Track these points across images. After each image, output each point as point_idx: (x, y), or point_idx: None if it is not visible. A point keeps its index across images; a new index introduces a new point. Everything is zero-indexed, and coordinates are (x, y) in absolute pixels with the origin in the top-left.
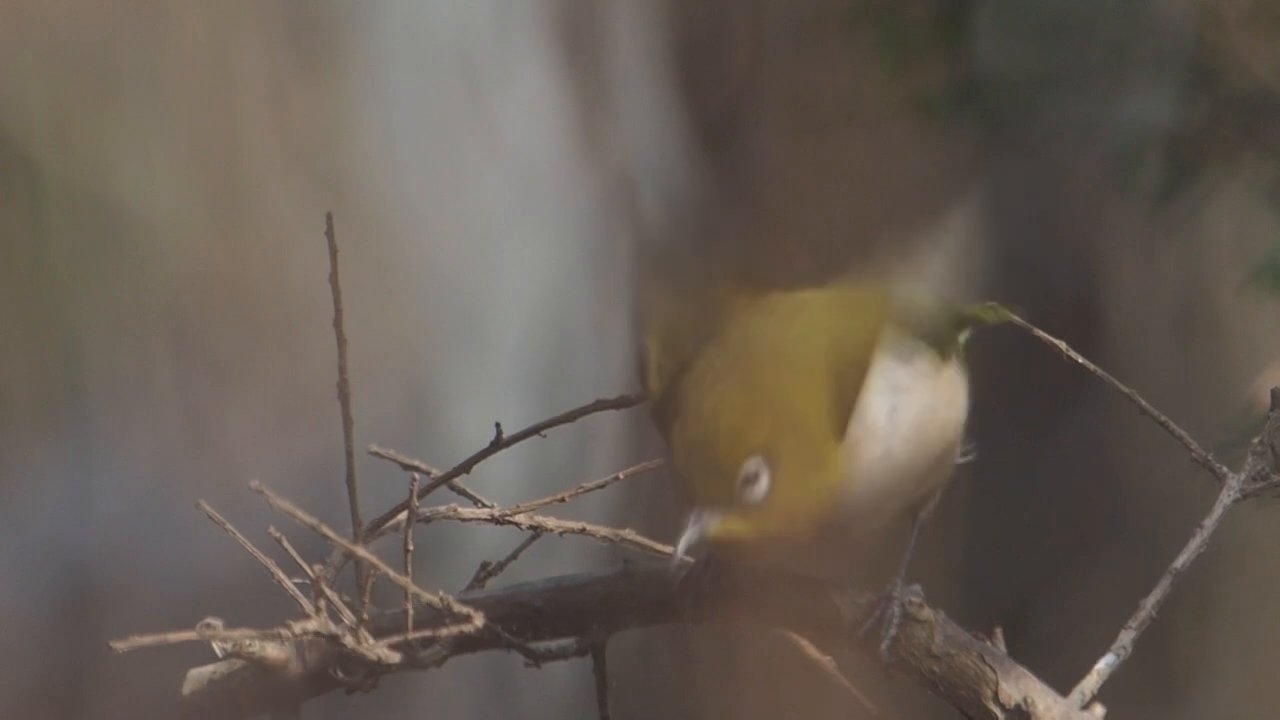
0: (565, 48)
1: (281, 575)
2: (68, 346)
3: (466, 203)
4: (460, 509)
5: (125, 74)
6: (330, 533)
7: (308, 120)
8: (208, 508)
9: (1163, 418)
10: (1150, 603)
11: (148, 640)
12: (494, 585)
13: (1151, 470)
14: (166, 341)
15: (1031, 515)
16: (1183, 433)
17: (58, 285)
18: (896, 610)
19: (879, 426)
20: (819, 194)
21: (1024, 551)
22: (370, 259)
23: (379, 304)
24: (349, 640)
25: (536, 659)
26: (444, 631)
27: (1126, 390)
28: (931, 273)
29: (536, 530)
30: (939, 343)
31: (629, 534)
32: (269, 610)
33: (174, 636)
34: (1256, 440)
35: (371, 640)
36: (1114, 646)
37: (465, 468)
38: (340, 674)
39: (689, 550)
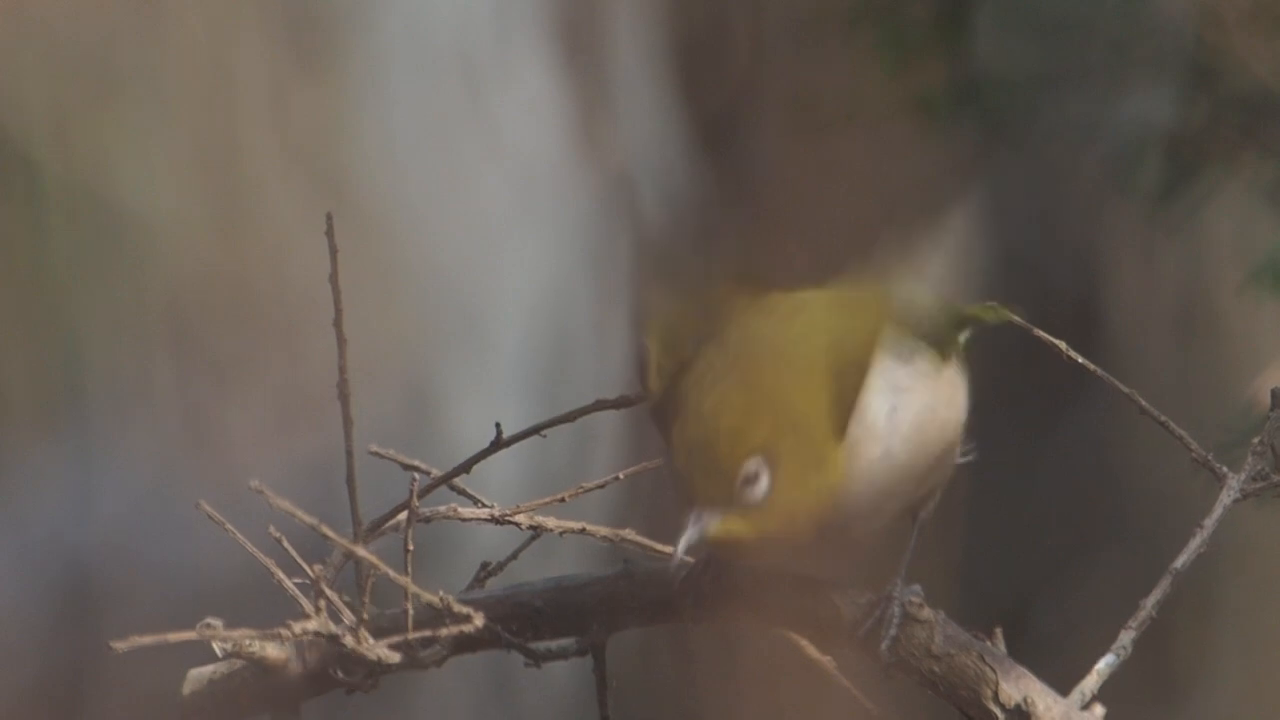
0: (565, 48)
1: (281, 575)
2: (68, 346)
3: (466, 203)
4: (460, 509)
5: (125, 74)
6: (330, 533)
7: (308, 120)
8: (208, 508)
9: (1163, 418)
10: (1150, 603)
11: (148, 640)
12: (494, 585)
13: (1151, 470)
14: (166, 341)
15: (1031, 515)
16: (1183, 433)
17: (58, 285)
18: (896, 610)
19: (879, 426)
20: (819, 194)
21: (1024, 551)
22: (370, 259)
23: (379, 304)
24: (349, 640)
25: (536, 659)
26: (444, 631)
27: (1126, 390)
28: (931, 272)
29: (536, 530)
30: (939, 343)
31: (629, 534)
32: (269, 610)
33: (174, 636)
34: (1256, 440)
35: (371, 640)
36: (1114, 646)
37: (465, 468)
38: (340, 674)
39: (689, 550)
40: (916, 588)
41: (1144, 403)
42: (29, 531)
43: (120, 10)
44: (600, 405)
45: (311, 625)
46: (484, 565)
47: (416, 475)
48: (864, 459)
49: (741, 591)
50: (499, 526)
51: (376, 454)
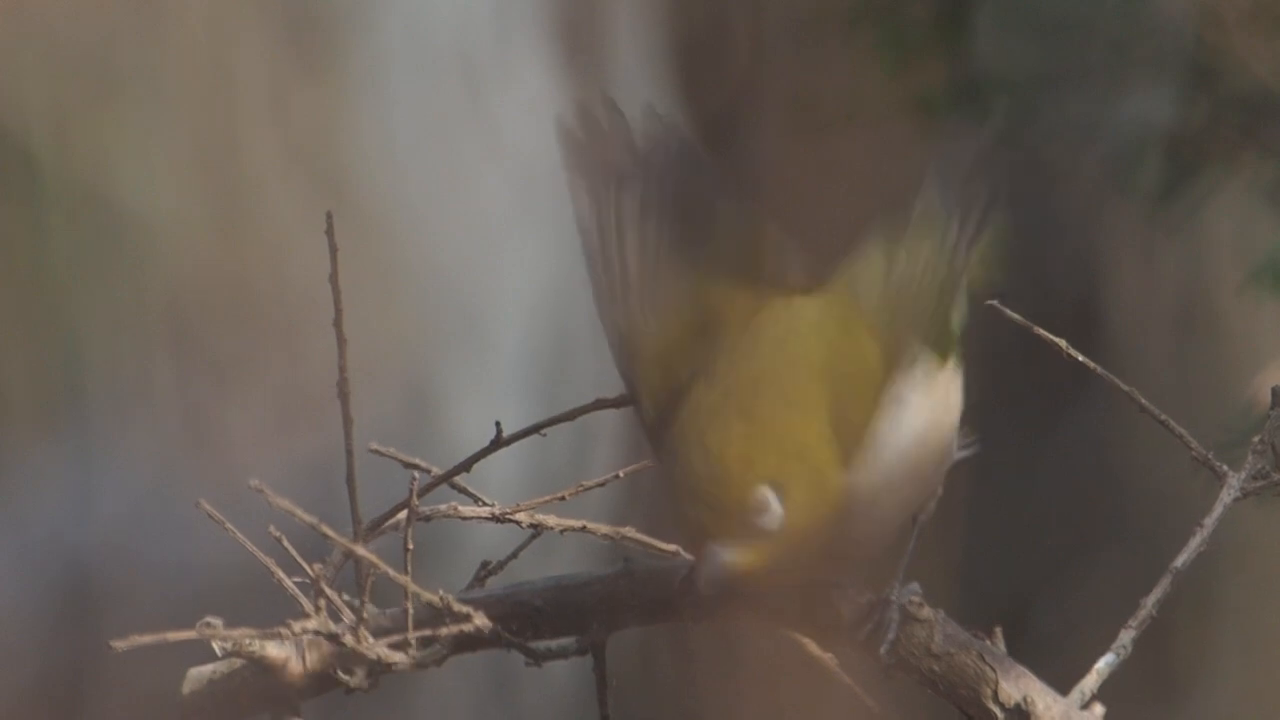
0: (565, 48)
1: (281, 575)
2: (68, 346)
3: (466, 203)
4: (460, 507)
5: (125, 74)
6: (330, 532)
7: (308, 120)
8: (208, 507)
9: (1163, 416)
10: (1150, 602)
11: (147, 640)
12: (494, 584)
13: (1151, 470)
14: (166, 341)
15: (1031, 515)
16: (1183, 431)
17: (58, 285)
18: (895, 613)
19: (882, 445)
20: (819, 194)
21: (1024, 551)
22: (370, 259)
23: (379, 304)
24: (349, 639)
25: (536, 658)
26: (444, 631)
27: (1126, 388)
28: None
29: (537, 529)
30: (936, 338)
31: (629, 532)
32: (269, 610)
33: (174, 636)
34: (1257, 439)
35: (371, 640)
36: (1114, 646)
37: (465, 466)
38: (340, 673)
39: (709, 587)
40: (915, 586)
41: (1144, 401)
42: (29, 531)
43: (120, 10)
44: (600, 405)
45: (311, 625)
46: (484, 564)
47: (416, 474)
48: (869, 479)
49: (741, 591)
50: (499, 525)
51: (376, 452)
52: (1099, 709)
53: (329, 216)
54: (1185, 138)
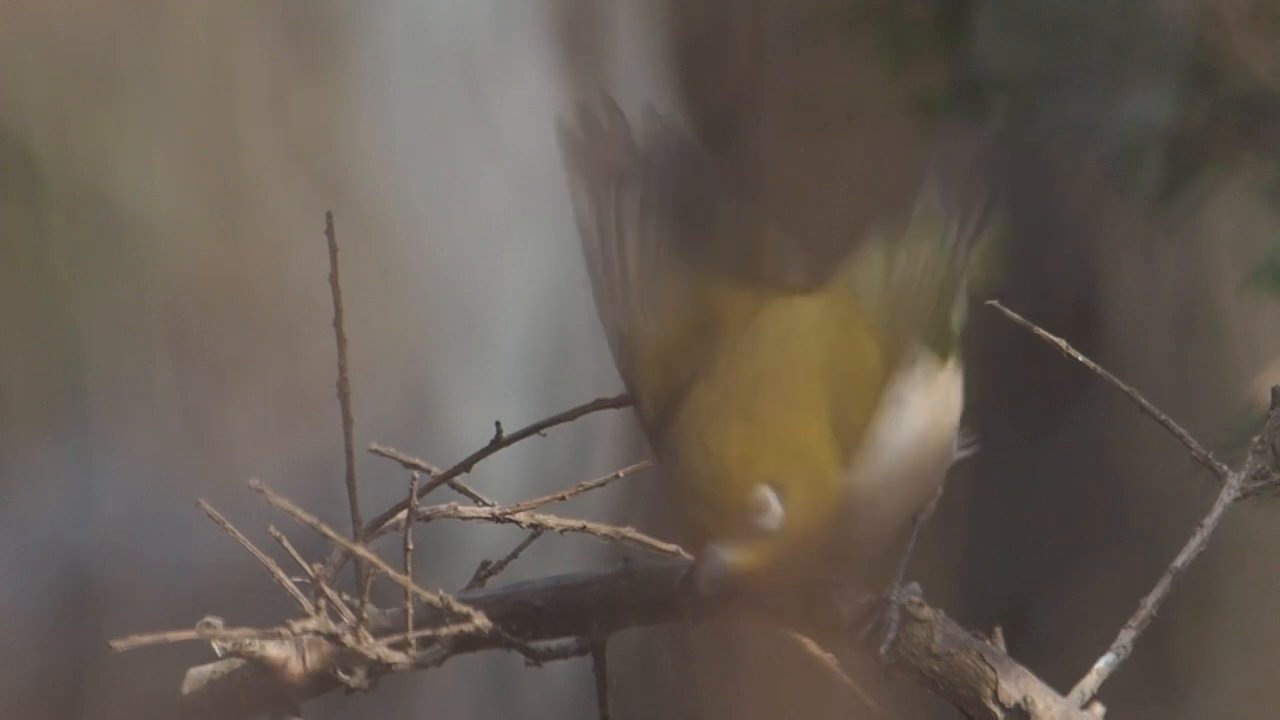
0: (565, 48)
1: (281, 575)
2: (68, 346)
3: (466, 203)
4: (460, 507)
5: (125, 74)
6: (330, 532)
7: (308, 120)
8: (208, 507)
9: (1163, 416)
10: (1150, 602)
11: (148, 640)
12: (494, 584)
13: (1151, 470)
14: (166, 341)
15: (1031, 515)
16: (1183, 431)
17: (58, 285)
18: (895, 613)
19: (882, 445)
20: (819, 194)
21: (1024, 551)
22: (370, 259)
23: (379, 304)
24: (349, 639)
25: (536, 658)
26: (444, 631)
27: (1126, 388)
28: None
29: (537, 529)
30: (936, 337)
31: (629, 532)
32: (269, 610)
33: (174, 636)
34: (1257, 439)
35: (371, 640)
36: (1114, 646)
37: (465, 466)
38: (340, 673)
39: (709, 586)
40: (915, 586)
41: (1144, 401)
42: (29, 531)
43: (120, 10)
44: (600, 405)
45: (311, 625)
46: (484, 564)
47: (416, 474)
48: (869, 479)
49: (742, 591)
50: (499, 525)
51: (376, 452)
52: (1099, 709)
53: (329, 216)
54: (1185, 138)
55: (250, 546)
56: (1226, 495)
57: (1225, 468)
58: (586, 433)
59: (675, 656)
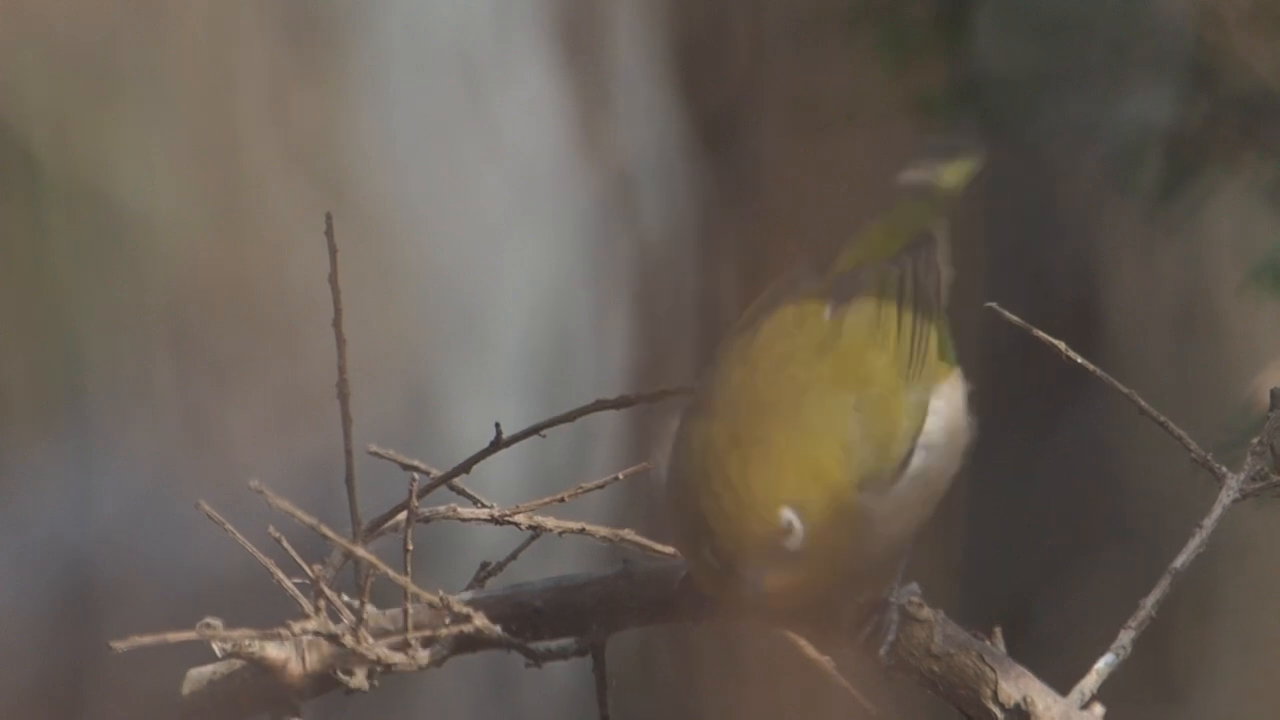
0: (565, 48)
1: (281, 575)
2: (68, 346)
3: (466, 203)
4: (460, 509)
5: (125, 74)
6: (330, 533)
7: (308, 120)
8: (208, 508)
9: (1162, 418)
10: (1150, 602)
11: (148, 640)
12: (494, 585)
13: (1151, 470)
14: (166, 341)
15: (1031, 515)
16: (1182, 433)
17: (58, 285)
18: (895, 614)
19: (901, 468)
20: (819, 194)
21: (1024, 551)
22: (370, 259)
23: (379, 304)
24: (349, 640)
25: (536, 659)
26: (444, 631)
27: (1125, 390)
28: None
29: (536, 530)
30: (938, 340)
31: (628, 534)
32: (269, 610)
33: (174, 636)
34: (1256, 440)
35: (371, 640)
36: (1114, 646)
37: (465, 468)
38: (340, 674)
39: (751, 610)
40: (914, 586)
41: (1143, 403)
42: (29, 531)
43: (120, 10)
44: (600, 405)
45: (311, 625)
46: (484, 565)
47: (416, 475)
48: (886, 499)
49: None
50: (499, 526)
51: (376, 454)
52: (1099, 709)
53: (329, 217)
54: (1185, 138)
55: (250, 547)
56: (1226, 496)
57: (1224, 469)
58: (586, 434)
59: (675, 657)
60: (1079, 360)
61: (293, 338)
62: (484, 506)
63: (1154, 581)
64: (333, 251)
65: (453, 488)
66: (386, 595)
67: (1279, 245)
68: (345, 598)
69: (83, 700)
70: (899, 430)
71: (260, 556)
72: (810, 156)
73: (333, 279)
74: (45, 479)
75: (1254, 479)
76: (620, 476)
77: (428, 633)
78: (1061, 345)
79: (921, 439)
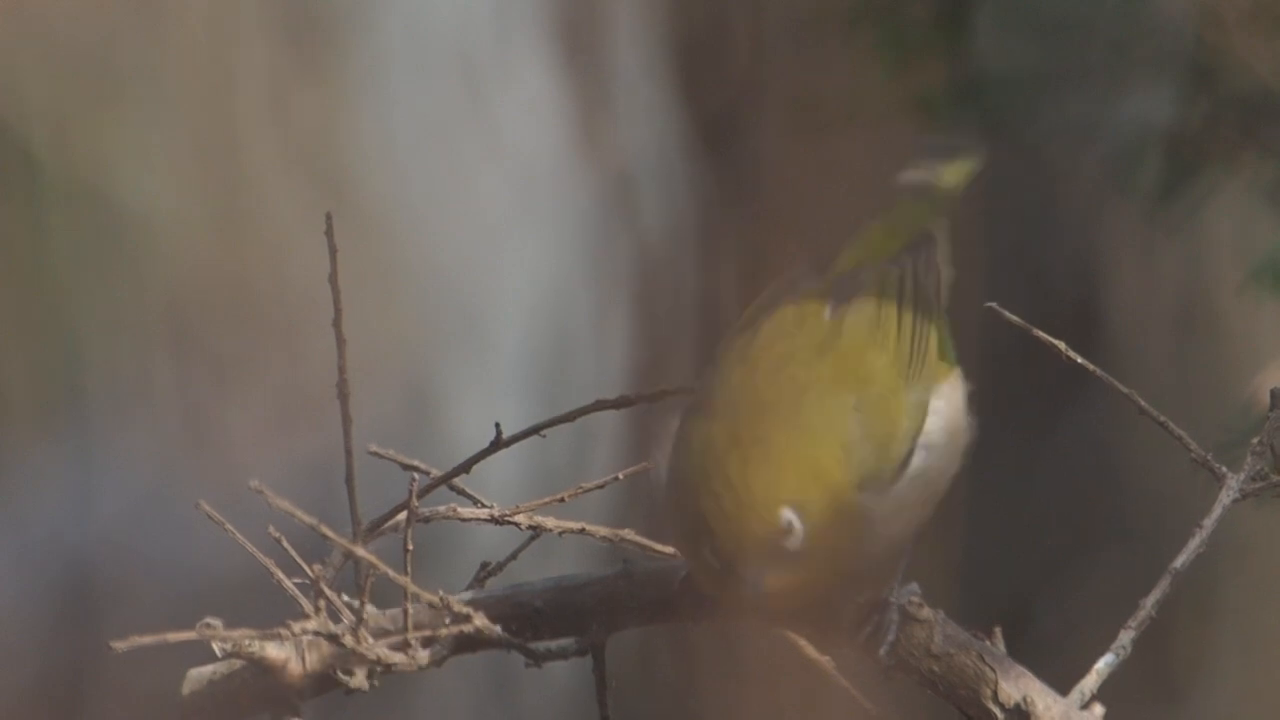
0: (565, 48)
1: (281, 575)
2: (68, 346)
3: (466, 203)
4: (460, 509)
5: (125, 74)
6: (330, 533)
7: (308, 120)
8: (208, 508)
9: (1162, 418)
10: (1150, 602)
11: (148, 640)
12: (494, 585)
13: (1151, 470)
14: (166, 341)
15: (1031, 515)
16: (1182, 433)
17: (58, 285)
18: (895, 614)
19: (901, 468)
20: (819, 194)
21: (1024, 551)
22: (370, 259)
23: (379, 304)
24: (349, 640)
25: (536, 659)
26: (444, 631)
27: (1126, 390)
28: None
29: (536, 530)
30: (938, 338)
31: (628, 534)
32: (269, 610)
33: (174, 636)
34: (1256, 440)
35: (371, 640)
36: (1114, 646)
37: (465, 468)
38: (340, 674)
39: (752, 610)
40: (914, 586)
41: (1143, 403)
42: (29, 531)
43: (120, 10)
44: (600, 405)
45: (311, 625)
46: (484, 565)
47: (416, 475)
48: (886, 499)
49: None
50: (499, 526)
51: (376, 454)
52: (1099, 709)
53: (329, 217)
54: (1185, 138)
55: (250, 547)
56: (1226, 496)
57: (1224, 469)
58: (586, 434)
59: (675, 657)
60: (1079, 360)
61: (293, 338)
62: (484, 506)
63: (1154, 581)
64: (333, 251)
65: (453, 488)
66: (386, 595)
67: (1279, 245)
68: (345, 598)
69: (83, 700)
70: (899, 430)
71: (260, 556)
72: (810, 156)
73: (333, 279)
74: (45, 479)
75: (1254, 479)
76: (620, 476)
77: (428, 633)
78: (1062, 345)
79: (921, 439)
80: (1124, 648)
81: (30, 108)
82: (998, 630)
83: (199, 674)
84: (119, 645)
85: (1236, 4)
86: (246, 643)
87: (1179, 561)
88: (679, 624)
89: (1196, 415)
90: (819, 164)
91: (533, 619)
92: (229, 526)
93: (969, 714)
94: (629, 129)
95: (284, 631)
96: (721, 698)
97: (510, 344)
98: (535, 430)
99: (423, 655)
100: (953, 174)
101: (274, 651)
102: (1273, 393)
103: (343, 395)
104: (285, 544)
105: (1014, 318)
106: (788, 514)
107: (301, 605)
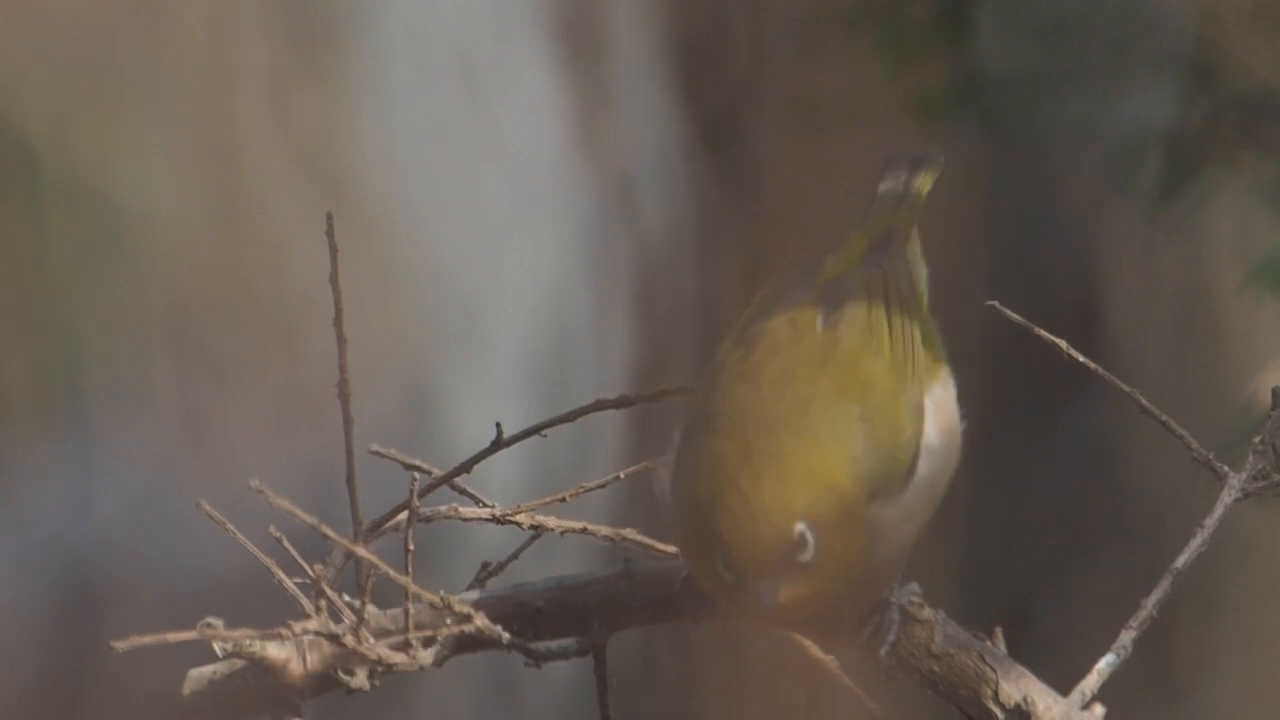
0: (565, 48)
1: (282, 575)
2: (68, 346)
3: (466, 203)
4: (461, 509)
5: (125, 74)
6: (330, 532)
7: (308, 120)
8: (208, 508)
9: (1163, 417)
10: (1151, 602)
11: (148, 640)
12: (494, 585)
13: (1151, 470)
14: (166, 341)
15: (1031, 515)
16: (1183, 432)
17: (58, 285)
18: (896, 614)
19: (907, 480)
20: (819, 194)
21: (1024, 551)
22: (370, 259)
23: (379, 304)
24: (349, 640)
25: (537, 659)
26: (444, 631)
27: (1127, 389)
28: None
29: (537, 530)
30: (928, 341)
31: (630, 533)
32: (269, 610)
33: (174, 636)
34: (1257, 439)
35: (371, 640)
36: (1114, 646)
37: (466, 467)
38: (341, 674)
39: (766, 623)
40: (915, 587)
41: (1144, 402)
42: (29, 531)
43: (120, 10)
44: (600, 405)
45: (312, 625)
46: (484, 565)
47: (417, 475)
48: (894, 510)
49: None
50: (500, 526)
51: (377, 453)
52: (1099, 709)
53: (329, 217)
54: (1185, 138)
55: (251, 547)
56: (1227, 496)
57: (1226, 468)
58: (587, 434)
59: (676, 657)
60: (1081, 359)
61: (293, 338)
62: (485, 506)
63: (1155, 581)
64: (333, 251)
65: (454, 487)
66: (387, 595)
67: (1279, 245)
68: (346, 598)
69: (83, 700)
70: (903, 437)
71: (261, 556)
72: (810, 156)
73: (333, 279)
74: (45, 479)
75: (1256, 478)
76: (621, 476)
77: (429, 633)
78: (1063, 344)
79: (922, 442)
80: (1125, 648)
81: (30, 108)
82: (998, 630)
83: (199, 674)
84: (119, 645)
85: (1236, 4)
86: (247, 643)
87: (1180, 561)
88: (681, 624)
89: (1197, 415)
90: (819, 164)
91: (534, 619)
92: (229, 526)
93: (969, 714)
94: (629, 129)
95: (285, 631)
96: (723, 698)
97: (510, 344)
98: (536, 430)
99: (424, 655)
100: (921, 183)
101: (275, 651)
102: (1274, 392)
103: (343, 395)
104: (286, 544)
105: (1015, 316)
106: (800, 527)
107: (302, 605)
